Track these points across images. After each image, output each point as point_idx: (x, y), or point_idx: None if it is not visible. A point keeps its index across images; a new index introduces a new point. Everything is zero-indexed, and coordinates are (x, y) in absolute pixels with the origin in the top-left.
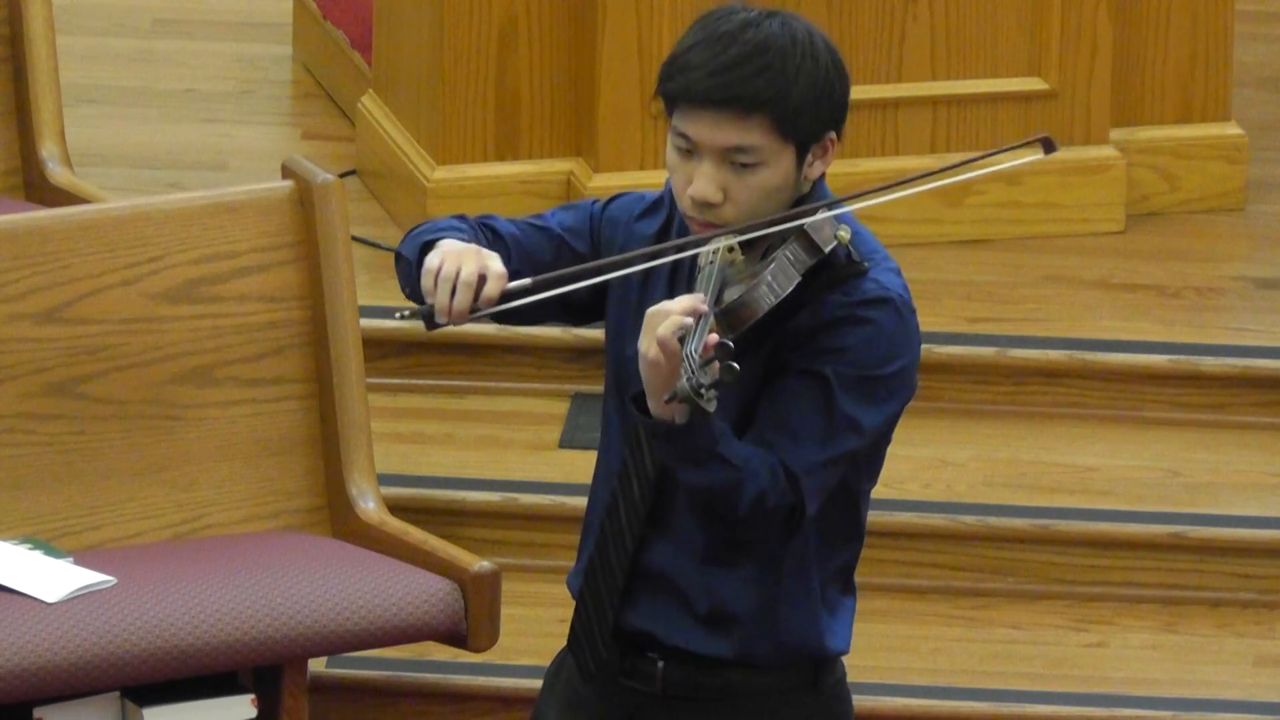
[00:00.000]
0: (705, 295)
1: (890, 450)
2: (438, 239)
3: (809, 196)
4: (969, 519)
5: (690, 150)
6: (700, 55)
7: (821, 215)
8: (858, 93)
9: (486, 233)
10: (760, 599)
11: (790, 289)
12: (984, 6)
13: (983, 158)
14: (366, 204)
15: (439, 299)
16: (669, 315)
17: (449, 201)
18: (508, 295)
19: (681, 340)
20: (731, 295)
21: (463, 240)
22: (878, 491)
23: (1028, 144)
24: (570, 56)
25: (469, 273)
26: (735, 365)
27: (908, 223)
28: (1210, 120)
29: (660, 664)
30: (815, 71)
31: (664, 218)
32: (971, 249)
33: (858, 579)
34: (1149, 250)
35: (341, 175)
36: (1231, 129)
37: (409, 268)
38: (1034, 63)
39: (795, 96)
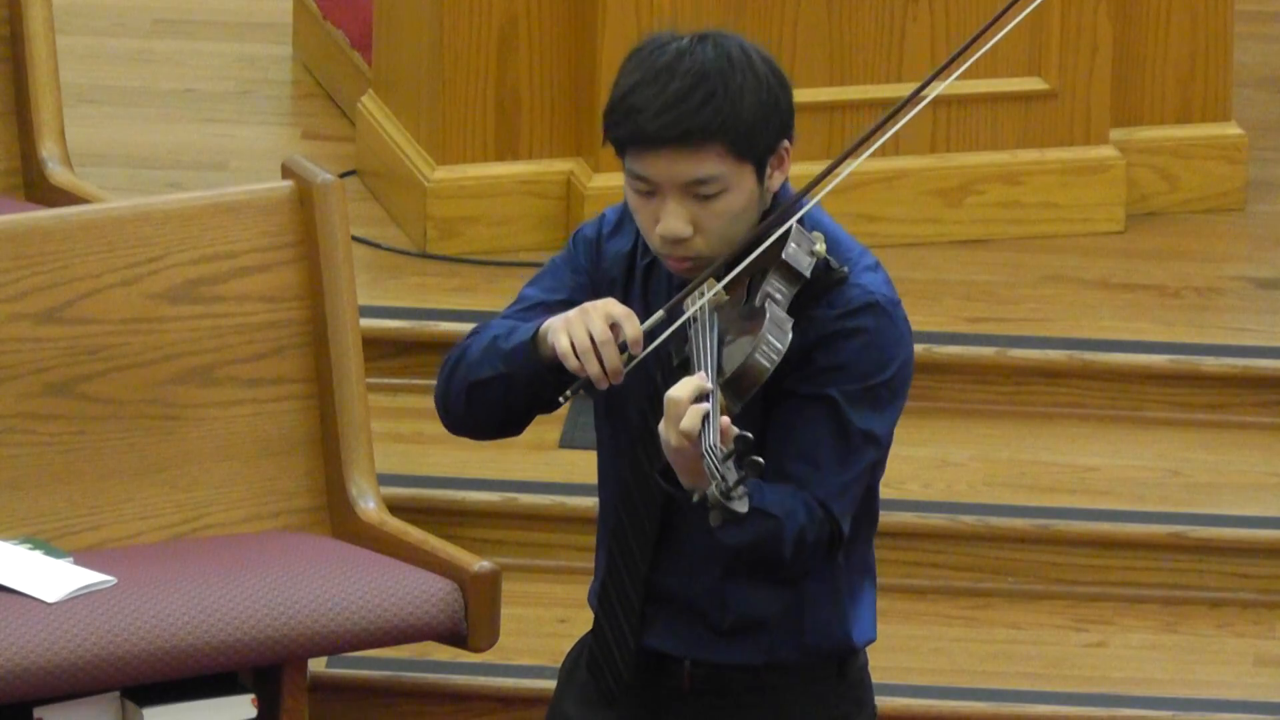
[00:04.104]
0: (708, 367)
1: (890, 450)
2: (515, 338)
3: (773, 207)
4: (969, 519)
5: (650, 191)
6: (643, 96)
7: (795, 234)
8: (858, 93)
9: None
10: (784, 606)
11: (790, 339)
12: (984, 6)
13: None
14: (366, 204)
15: (591, 371)
16: (687, 404)
17: (449, 201)
18: (649, 332)
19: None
20: (732, 362)
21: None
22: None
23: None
24: (570, 56)
25: (600, 331)
26: (760, 460)
27: (908, 222)
28: (1210, 120)
29: (687, 662)
30: (759, 88)
31: (633, 236)
32: (971, 249)
33: None
34: (1149, 250)
35: (341, 175)
36: (1231, 129)
37: (484, 385)
38: (1034, 63)
39: (745, 117)
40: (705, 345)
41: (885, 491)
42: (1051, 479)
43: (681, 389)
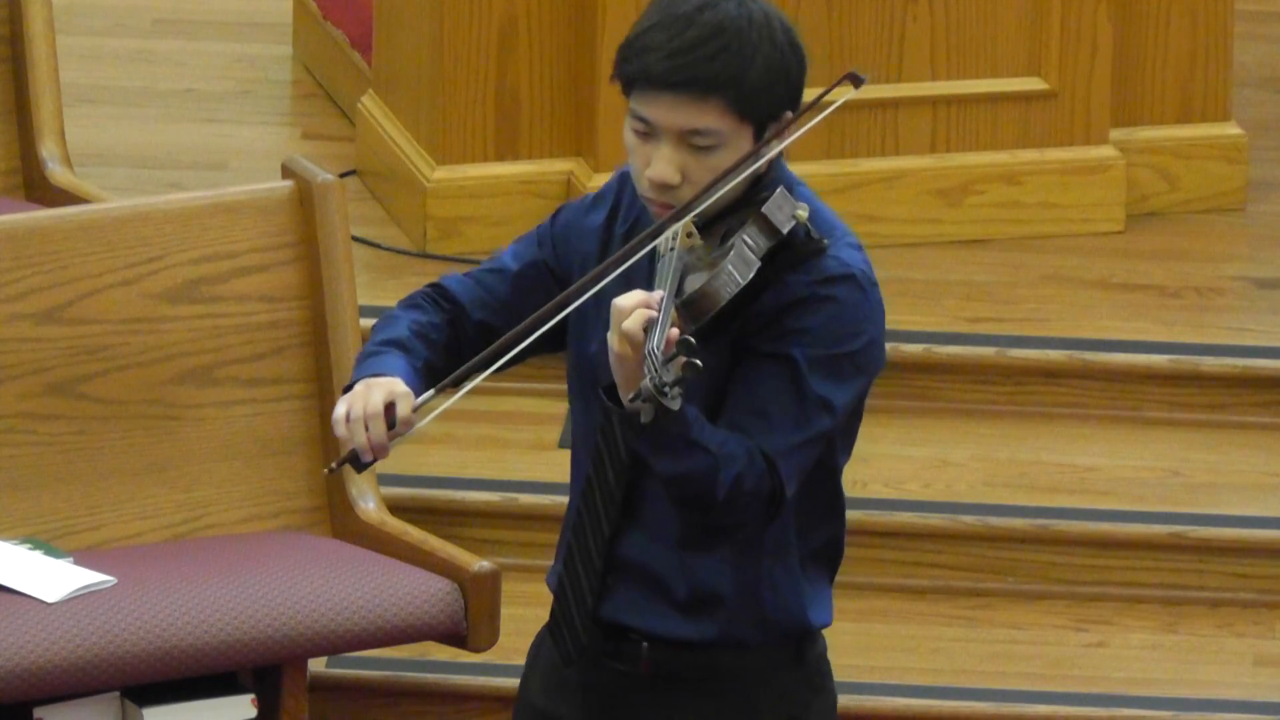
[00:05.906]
0: (666, 287)
1: (890, 450)
2: (359, 370)
3: (767, 176)
4: (969, 519)
5: (648, 132)
6: (657, 37)
7: (778, 195)
8: (857, 92)
9: (442, 301)
10: (741, 580)
11: (751, 276)
12: (984, 6)
13: (806, 109)
14: (366, 204)
15: (356, 440)
16: (633, 309)
17: (449, 201)
18: (422, 408)
19: (645, 333)
20: (692, 286)
21: (391, 356)
22: (878, 491)
23: (839, 84)
24: (570, 56)
25: (374, 404)
26: (698, 362)
27: (907, 223)
28: (1210, 120)
29: (644, 645)
30: (772, 52)
31: (609, 206)
32: (971, 249)
33: (859, 579)
34: (1149, 250)
35: (341, 175)
36: (1231, 129)
37: None
38: (1034, 63)
39: (752, 78)
40: (668, 272)
41: (885, 491)
42: (1051, 479)
43: (628, 297)
